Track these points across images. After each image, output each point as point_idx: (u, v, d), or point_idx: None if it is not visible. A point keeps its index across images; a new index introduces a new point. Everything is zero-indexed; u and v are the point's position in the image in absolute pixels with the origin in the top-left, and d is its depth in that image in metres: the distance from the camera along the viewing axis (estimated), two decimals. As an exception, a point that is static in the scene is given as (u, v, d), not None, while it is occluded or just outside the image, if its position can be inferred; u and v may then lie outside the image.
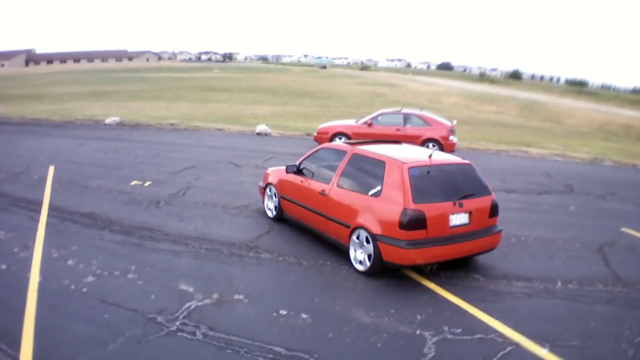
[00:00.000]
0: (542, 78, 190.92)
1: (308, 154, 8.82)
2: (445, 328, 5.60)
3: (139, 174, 12.45)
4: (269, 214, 9.40)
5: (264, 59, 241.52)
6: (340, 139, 16.33)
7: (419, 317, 5.85)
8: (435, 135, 16.00)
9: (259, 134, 20.71)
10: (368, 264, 6.90)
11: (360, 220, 6.98)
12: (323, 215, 7.79)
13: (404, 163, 6.91)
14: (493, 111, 43.78)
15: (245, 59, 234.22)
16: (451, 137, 16.19)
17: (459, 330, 5.55)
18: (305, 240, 8.31)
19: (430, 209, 6.64)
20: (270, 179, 9.42)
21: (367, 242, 6.87)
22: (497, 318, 5.85)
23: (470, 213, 6.97)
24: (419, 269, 7.09)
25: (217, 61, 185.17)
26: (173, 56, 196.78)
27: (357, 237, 7.06)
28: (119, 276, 6.56)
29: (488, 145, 20.18)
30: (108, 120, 22.13)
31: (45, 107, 27.38)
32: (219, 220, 9.17)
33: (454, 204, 6.83)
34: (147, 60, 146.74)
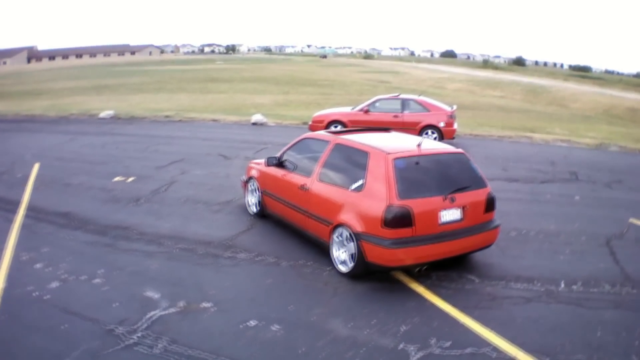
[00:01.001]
0: (545, 64, 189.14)
1: (290, 145, 8.22)
2: (433, 341, 4.95)
3: (124, 169, 12.01)
4: (251, 210, 8.81)
5: (268, 50, 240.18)
6: (336, 127, 15.67)
7: (403, 327, 5.22)
8: (435, 122, 15.25)
9: (254, 123, 20.14)
10: (351, 265, 6.29)
11: (342, 217, 6.36)
12: (304, 211, 7.19)
13: (388, 154, 6.27)
14: (497, 96, 43.26)
15: (249, 50, 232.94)
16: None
17: (448, 344, 4.91)
18: (288, 238, 7.72)
19: (417, 205, 6.00)
20: (252, 173, 8.82)
21: (350, 240, 6.26)
22: (492, 328, 5.20)
23: (463, 208, 6.32)
24: (408, 270, 6.46)
25: (220, 53, 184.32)
26: (176, 49, 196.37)
27: (339, 236, 6.45)
28: (85, 281, 6.11)
29: (491, 131, 19.41)
30: (102, 114, 21.80)
31: (44, 103, 27.12)
32: (199, 217, 8.67)
33: (445, 199, 6.18)
34: (150, 53, 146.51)
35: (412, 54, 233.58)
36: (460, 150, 7.00)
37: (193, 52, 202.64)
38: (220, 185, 10.67)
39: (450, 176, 6.52)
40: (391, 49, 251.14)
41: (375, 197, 6.07)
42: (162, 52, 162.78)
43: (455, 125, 15.74)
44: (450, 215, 6.22)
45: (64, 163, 12.70)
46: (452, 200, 6.22)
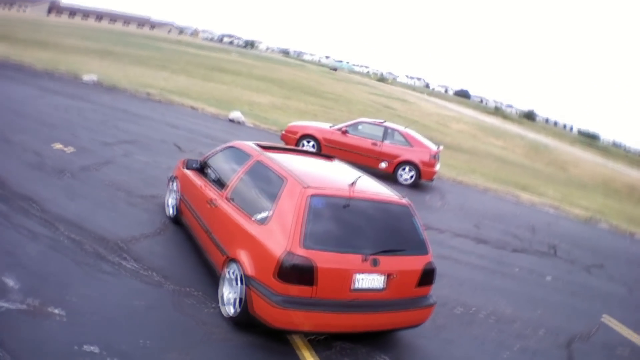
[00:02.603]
0: (555, 124, 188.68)
1: (216, 150, 7.03)
2: None
3: (70, 137, 10.90)
4: (167, 211, 7.59)
5: (286, 52, 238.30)
6: (308, 142, 14.38)
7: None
8: (415, 159, 13.87)
9: (231, 120, 18.87)
10: (234, 310, 5.02)
11: (237, 251, 5.10)
12: (207, 231, 5.93)
13: (306, 187, 4.99)
14: (499, 146, 42.17)
15: (267, 49, 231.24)
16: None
17: None
18: (192, 256, 6.50)
19: (324, 260, 4.70)
20: (177, 171, 7.56)
21: (239, 282, 4.98)
22: None
23: (388, 276, 5.00)
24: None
25: (238, 46, 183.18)
26: (195, 33, 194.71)
27: (231, 272, 5.17)
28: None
29: (477, 181, 18.02)
30: (86, 78, 20.72)
31: (44, 55, 25.88)
32: (111, 207, 7.55)
33: (365, 259, 4.86)
34: (169, 31, 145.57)
35: (427, 86, 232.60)
36: (405, 201, 5.63)
37: (212, 39, 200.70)
38: (155, 177, 9.46)
39: (382, 232, 5.24)
40: (407, 76, 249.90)
41: (275, 237, 4.81)
42: (181, 32, 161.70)
43: (437, 167, 14.41)
44: (369, 281, 4.92)
45: (17, 118, 11.71)
46: (375, 263, 4.91)
